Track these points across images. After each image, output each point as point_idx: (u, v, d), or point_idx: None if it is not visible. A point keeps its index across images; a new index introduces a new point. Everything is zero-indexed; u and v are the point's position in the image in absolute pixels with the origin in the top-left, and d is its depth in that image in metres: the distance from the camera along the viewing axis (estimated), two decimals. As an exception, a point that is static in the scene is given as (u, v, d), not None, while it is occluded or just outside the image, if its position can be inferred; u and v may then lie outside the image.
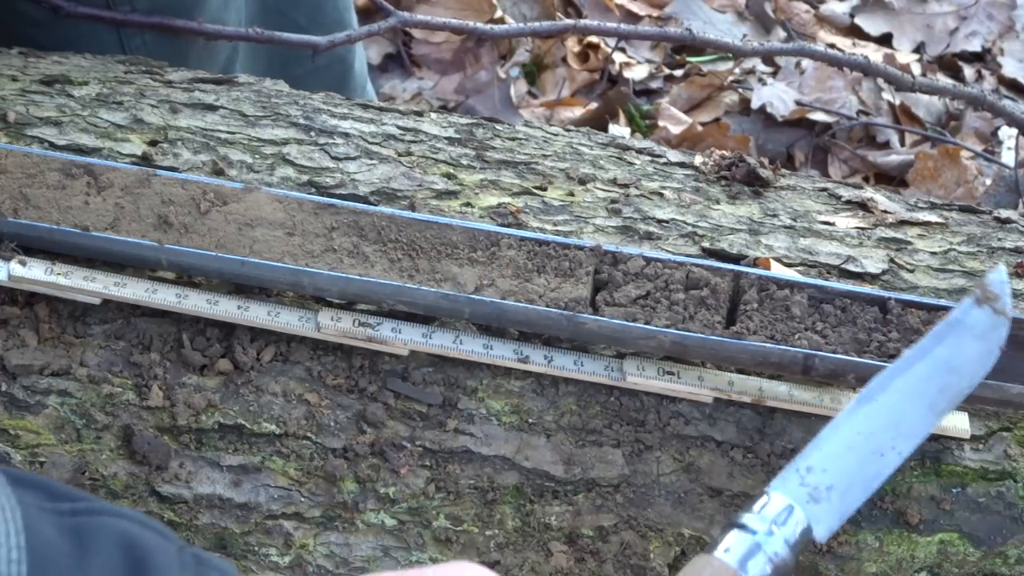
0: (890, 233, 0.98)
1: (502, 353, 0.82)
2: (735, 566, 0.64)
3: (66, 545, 0.55)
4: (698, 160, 1.05)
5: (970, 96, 1.35)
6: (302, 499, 0.81)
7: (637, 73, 2.33)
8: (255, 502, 0.81)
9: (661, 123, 2.18)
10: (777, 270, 0.89)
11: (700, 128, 2.17)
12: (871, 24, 2.53)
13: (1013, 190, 1.92)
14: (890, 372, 0.73)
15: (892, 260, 0.94)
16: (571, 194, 0.97)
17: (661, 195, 0.98)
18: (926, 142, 2.24)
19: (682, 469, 0.83)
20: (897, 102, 2.31)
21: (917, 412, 0.72)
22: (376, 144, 0.99)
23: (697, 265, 0.85)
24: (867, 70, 1.29)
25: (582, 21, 1.28)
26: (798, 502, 0.67)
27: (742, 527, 0.66)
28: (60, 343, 0.83)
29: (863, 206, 1.01)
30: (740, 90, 2.29)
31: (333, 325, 0.82)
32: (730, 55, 2.25)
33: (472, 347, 0.82)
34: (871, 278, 0.92)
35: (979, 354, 0.75)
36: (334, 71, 1.45)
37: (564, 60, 2.35)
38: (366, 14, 2.00)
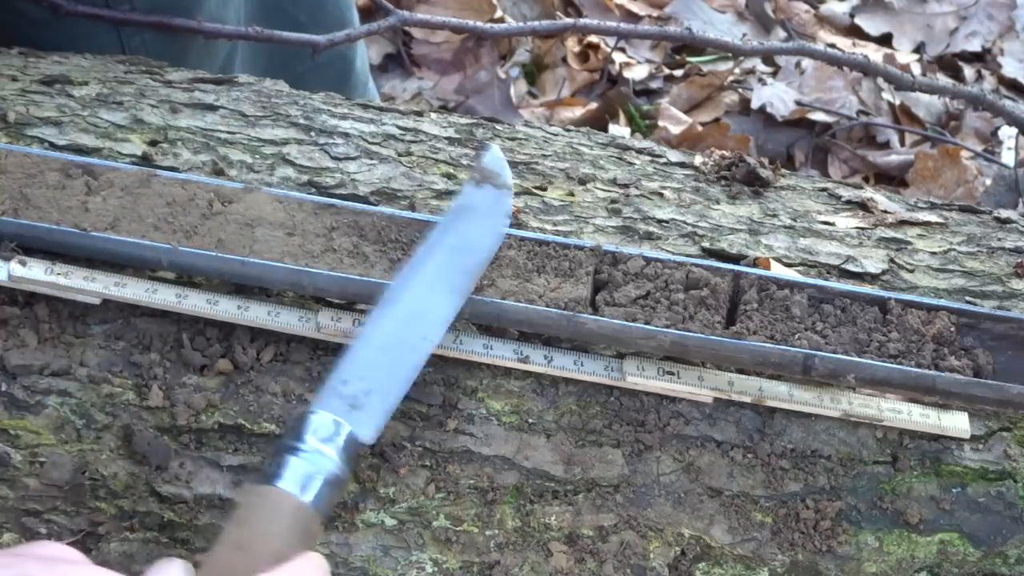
0: (890, 233, 0.98)
1: (502, 353, 0.82)
2: (293, 491, 0.67)
3: None
4: (698, 160, 1.05)
5: (970, 96, 1.35)
6: (302, 499, 0.81)
7: (637, 73, 2.33)
8: (255, 502, 0.81)
9: (661, 123, 2.18)
10: (777, 270, 0.89)
11: (700, 128, 2.17)
12: (871, 24, 2.53)
13: (1013, 190, 1.92)
14: (409, 269, 0.78)
15: (892, 260, 0.94)
16: (571, 194, 0.97)
17: (661, 195, 0.98)
18: (926, 142, 2.25)
19: (682, 469, 0.83)
20: (897, 102, 2.31)
21: (441, 298, 0.78)
22: (376, 144, 0.99)
23: (697, 265, 0.85)
24: (867, 70, 1.29)
25: (582, 20, 1.28)
26: (340, 414, 0.71)
27: (293, 451, 0.69)
28: (60, 343, 0.83)
29: (863, 206, 1.01)
30: (740, 90, 2.29)
31: (333, 325, 0.82)
32: (730, 55, 2.25)
33: (472, 347, 0.82)
34: (871, 278, 0.92)
35: (490, 228, 0.82)
36: (335, 68, 1.45)
37: (564, 60, 2.35)
38: (366, 13, 2.00)
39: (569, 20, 1.28)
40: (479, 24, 1.27)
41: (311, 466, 0.68)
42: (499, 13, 2.35)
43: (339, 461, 0.69)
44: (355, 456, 0.71)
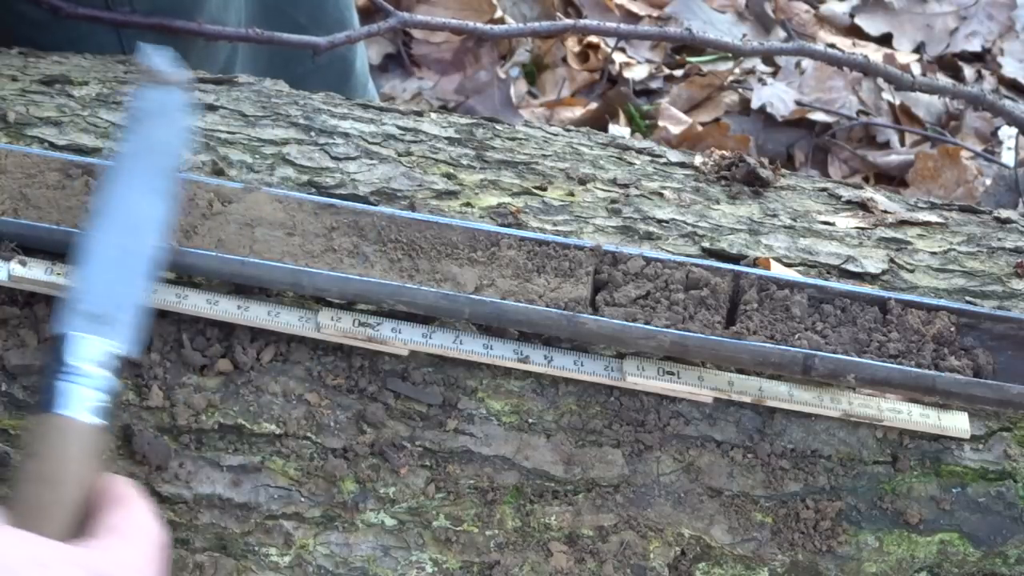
0: (890, 233, 0.98)
1: (502, 353, 0.82)
2: (78, 416, 0.69)
3: None
4: (698, 160, 1.05)
5: (970, 96, 1.35)
6: (302, 499, 0.81)
7: (637, 73, 2.33)
8: (255, 502, 0.81)
9: (661, 123, 2.18)
10: (777, 270, 0.89)
11: (700, 128, 2.17)
12: (871, 24, 2.54)
13: (1013, 190, 1.92)
14: (106, 187, 0.79)
15: (892, 260, 0.94)
16: (571, 194, 0.97)
17: (661, 195, 0.98)
18: (926, 142, 2.25)
19: (682, 469, 0.83)
20: (897, 102, 2.31)
21: (148, 202, 0.79)
22: (376, 144, 0.99)
23: (697, 265, 0.85)
24: (867, 70, 1.29)
25: (582, 21, 1.28)
26: (95, 333, 0.72)
27: (63, 377, 0.70)
28: (60, 343, 0.83)
29: (863, 206, 1.01)
30: (740, 90, 2.30)
31: (333, 325, 0.82)
32: (730, 55, 2.25)
33: (472, 347, 0.82)
34: (871, 278, 0.92)
35: (171, 126, 0.82)
36: (335, 69, 1.45)
37: (564, 60, 2.35)
38: (366, 14, 2.00)
39: (569, 21, 1.28)
40: (479, 25, 1.27)
41: (85, 388, 0.70)
42: (499, 13, 2.35)
43: (108, 376, 0.71)
44: (120, 368, 0.73)
